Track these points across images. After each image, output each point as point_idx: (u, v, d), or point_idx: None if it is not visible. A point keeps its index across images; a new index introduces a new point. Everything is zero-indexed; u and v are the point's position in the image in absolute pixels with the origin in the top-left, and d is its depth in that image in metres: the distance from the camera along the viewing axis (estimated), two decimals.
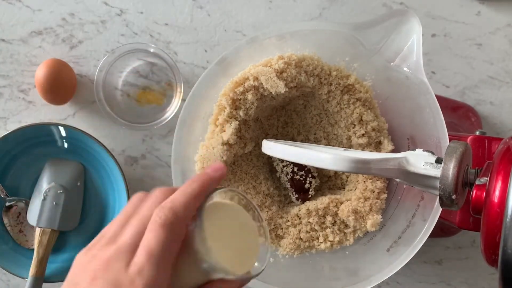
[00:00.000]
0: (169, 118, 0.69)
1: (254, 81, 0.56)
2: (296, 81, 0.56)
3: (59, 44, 0.70)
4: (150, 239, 0.35)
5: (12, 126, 0.70)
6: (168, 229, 0.36)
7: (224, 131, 0.57)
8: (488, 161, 0.47)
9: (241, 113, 0.57)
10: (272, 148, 0.49)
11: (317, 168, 0.61)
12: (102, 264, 0.35)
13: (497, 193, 0.41)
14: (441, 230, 0.69)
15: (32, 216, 0.67)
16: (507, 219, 0.38)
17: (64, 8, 0.70)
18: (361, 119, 0.58)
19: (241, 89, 0.56)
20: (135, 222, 0.37)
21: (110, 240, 0.37)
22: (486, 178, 0.43)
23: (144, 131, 0.71)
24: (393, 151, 0.58)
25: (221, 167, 0.40)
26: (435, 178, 0.44)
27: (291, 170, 0.60)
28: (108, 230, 0.38)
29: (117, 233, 0.37)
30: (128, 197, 0.65)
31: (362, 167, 0.44)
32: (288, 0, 0.70)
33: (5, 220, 0.68)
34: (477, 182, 0.44)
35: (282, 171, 0.61)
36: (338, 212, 0.57)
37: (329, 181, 0.63)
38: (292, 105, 0.61)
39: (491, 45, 0.71)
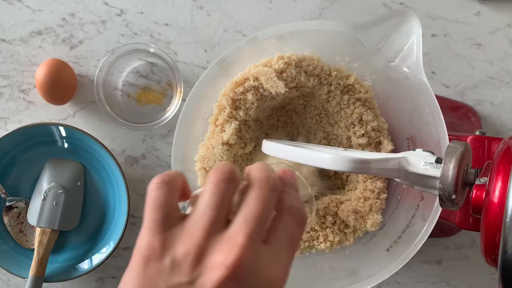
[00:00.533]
0: (169, 118, 0.69)
1: (254, 81, 0.56)
2: (296, 81, 0.56)
3: (59, 44, 0.70)
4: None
5: (12, 126, 0.70)
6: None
7: (224, 131, 0.57)
8: (488, 161, 0.47)
9: (241, 113, 0.57)
10: (272, 148, 0.49)
11: (317, 168, 0.61)
12: None
13: (497, 193, 0.41)
14: (441, 230, 0.69)
15: (32, 216, 0.67)
16: (507, 219, 0.38)
17: (64, 8, 0.70)
18: (361, 119, 0.58)
19: (241, 89, 0.56)
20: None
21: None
22: (486, 178, 0.43)
23: (144, 131, 0.71)
24: (393, 151, 0.59)
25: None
26: (435, 178, 0.44)
27: None
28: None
29: None
30: (128, 197, 0.65)
31: (362, 167, 0.44)
32: (288, 0, 0.70)
33: (5, 220, 0.68)
34: (477, 182, 0.44)
35: None
36: (338, 212, 0.57)
37: (329, 181, 0.63)
38: (292, 105, 0.61)
39: (491, 45, 0.71)
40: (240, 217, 0.34)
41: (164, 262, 0.33)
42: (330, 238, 0.57)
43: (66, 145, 0.69)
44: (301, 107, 0.61)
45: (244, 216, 0.34)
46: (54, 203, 0.67)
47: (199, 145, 0.58)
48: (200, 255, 0.33)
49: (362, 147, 0.59)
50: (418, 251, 0.54)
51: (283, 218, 0.36)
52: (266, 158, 0.60)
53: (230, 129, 0.56)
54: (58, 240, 0.68)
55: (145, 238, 0.35)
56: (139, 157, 0.71)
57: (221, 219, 0.35)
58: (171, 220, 0.35)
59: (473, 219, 0.53)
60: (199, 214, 0.34)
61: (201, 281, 0.32)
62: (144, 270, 0.33)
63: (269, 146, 0.51)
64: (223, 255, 0.32)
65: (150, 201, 0.36)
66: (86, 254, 0.69)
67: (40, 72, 0.66)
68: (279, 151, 0.49)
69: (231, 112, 0.56)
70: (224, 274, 0.32)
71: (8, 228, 0.68)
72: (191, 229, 0.34)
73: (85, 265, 0.68)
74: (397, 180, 0.47)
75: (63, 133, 0.67)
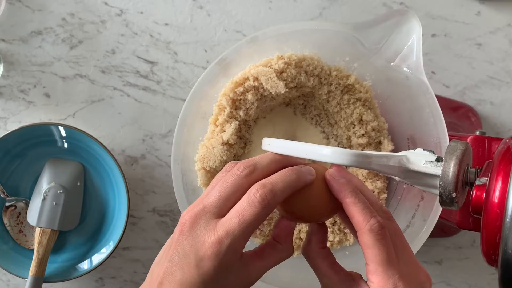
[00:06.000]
0: None
1: (254, 81, 0.56)
2: (296, 81, 0.56)
3: (59, 44, 0.70)
4: (246, 209, 0.39)
5: (12, 126, 0.70)
6: (264, 207, 0.39)
7: (224, 131, 0.57)
8: (488, 160, 0.47)
9: (241, 113, 0.57)
10: (272, 144, 0.48)
11: None
12: (190, 221, 0.40)
13: (497, 193, 0.41)
14: (441, 230, 0.69)
15: (32, 216, 0.67)
16: (507, 219, 0.38)
17: (64, 8, 0.70)
18: (361, 119, 0.58)
19: (241, 89, 0.56)
20: (221, 188, 0.41)
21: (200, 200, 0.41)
22: (486, 178, 0.43)
23: (144, 131, 0.71)
24: (393, 151, 0.59)
25: (314, 173, 0.43)
26: (435, 176, 0.44)
27: None
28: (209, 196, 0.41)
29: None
30: (128, 197, 0.65)
31: (362, 161, 0.44)
32: (288, 0, 0.70)
33: (5, 220, 0.68)
34: (477, 182, 0.44)
35: None
36: None
37: None
38: (292, 105, 0.61)
39: (491, 45, 0.71)
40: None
41: None
42: (330, 238, 0.57)
43: (66, 145, 0.69)
44: (301, 107, 0.61)
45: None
46: (54, 203, 0.67)
47: (199, 145, 0.58)
48: None
49: (362, 147, 0.59)
50: (418, 251, 0.54)
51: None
52: None
53: (230, 129, 0.56)
54: (58, 240, 0.68)
55: None
56: (139, 157, 0.71)
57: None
58: None
59: (473, 219, 0.53)
60: None
61: None
62: None
63: (269, 143, 0.51)
64: None
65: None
66: (86, 254, 0.69)
67: None
68: (279, 147, 0.49)
69: (231, 112, 0.56)
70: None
71: (8, 228, 0.68)
72: None
73: (85, 265, 0.68)
74: (397, 179, 0.47)
75: (63, 133, 0.67)
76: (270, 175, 0.41)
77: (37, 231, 0.66)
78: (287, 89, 0.56)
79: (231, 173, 0.41)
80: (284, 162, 0.43)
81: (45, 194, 0.67)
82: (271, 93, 0.56)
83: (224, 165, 0.44)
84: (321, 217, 0.44)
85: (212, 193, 0.41)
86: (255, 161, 0.42)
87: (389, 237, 0.40)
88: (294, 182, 0.41)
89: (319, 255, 0.44)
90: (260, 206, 0.39)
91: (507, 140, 0.45)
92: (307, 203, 0.43)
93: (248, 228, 0.39)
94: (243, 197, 0.40)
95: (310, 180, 0.42)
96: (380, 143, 0.59)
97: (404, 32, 0.54)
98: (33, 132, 0.67)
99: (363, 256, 0.41)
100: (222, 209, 0.40)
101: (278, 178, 0.41)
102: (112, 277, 0.72)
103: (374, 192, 0.58)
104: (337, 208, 0.43)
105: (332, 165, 0.43)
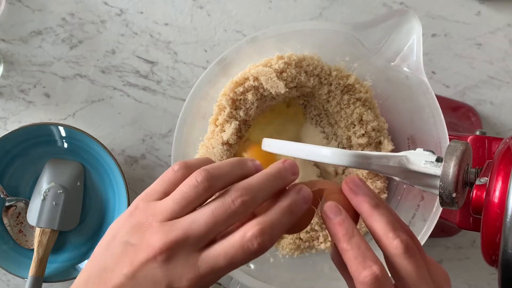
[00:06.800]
0: None
1: (254, 81, 0.56)
2: (296, 81, 0.56)
3: (59, 44, 0.70)
4: (238, 253, 0.35)
5: (12, 126, 0.70)
6: (258, 254, 0.36)
7: (224, 131, 0.57)
8: (488, 160, 0.47)
9: (241, 113, 0.57)
10: (272, 144, 0.48)
11: (318, 167, 0.61)
12: (166, 251, 0.35)
13: (497, 193, 0.41)
14: (442, 230, 0.69)
15: (32, 216, 0.67)
16: (507, 220, 0.38)
17: (64, 8, 0.70)
18: (361, 119, 0.58)
19: (241, 89, 0.56)
20: (211, 215, 0.36)
21: (168, 216, 0.36)
22: (486, 178, 0.43)
23: (144, 131, 0.71)
24: (393, 151, 0.59)
25: (297, 171, 0.40)
26: (435, 176, 0.44)
27: None
28: (164, 206, 0.37)
29: (179, 212, 0.36)
30: (128, 197, 0.65)
31: (362, 162, 0.44)
32: (288, 0, 0.70)
33: (5, 220, 0.68)
34: (477, 182, 0.43)
35: None
36: None
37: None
38: (292, 105, 0.61)
39: (491, 45, 0.71)
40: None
41: None
42: (330, 238, 0.57)
43: (66, 145, 0.69)
44: (301, 107, 0.61)
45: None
46: (54, 203, 0.67)
47: (199, 145, 0.58)
48: None
49: (362, 147, 0.59)
50: None
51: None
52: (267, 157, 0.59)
53: (230, 129, 0.56)
54: (58, 240, 0.68)
55: None
56: (139, 157, 0.71)
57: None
58: None
59: (473, 219, 0.53)
60: None
61: None
62: None
63: (269, 143, 0.51)
64: None
65: None
66: (86, 254, 0.69)
67: None
68: (279, 148, 0.49)
69: (231, 112, 0.56)
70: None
71: (8, 228, 0.68)
72: None
73: (84, 265, 0.68)
74: (397, 179, 0.47)
75: (63, 133, 0.67)
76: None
77: (37, 231, 0.66)
78: (287, 89, 0.56)
79: (224, 200, 0.36)
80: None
81: (45, 194, 0.67)
82: (271, 93, 0.56)
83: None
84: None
85: (199, 219, 0.36)
86: (251, 186, 0.37)
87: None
88: (292, 222, 0.38)
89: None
90: (254, 254, 0.36)
91: (507, 140, 0.45)
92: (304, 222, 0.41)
93: (235, 267, 0.36)
94: (236, 235, 0.36)
95: (295, 180, 0.40)
96: (380, 143, 0.59)
97: (404, 32, 0.54)
98: (33, 132, 0.67)
99: None
100: (208, 239, 0.36)
101: (276, 219, 0.37)
102: None
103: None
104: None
105: (327, 198, 0.41)
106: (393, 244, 0.38)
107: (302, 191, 0.39)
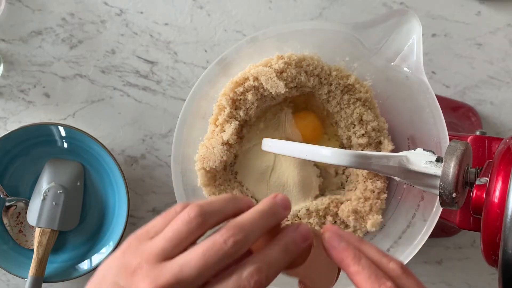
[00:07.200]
0: None
1: (254, 81, 0.56)
2: (296, 81, 0.56)
3: (59, 44, 0.70)
4: None
5: (12, 126, 0.70)
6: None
7: (224, 131, 0.57)
8: (488, 160, 0.47)
9: (241, 113, 0.57)
10: (272, 145, 0.48)
11: (318, 167, 0.61)
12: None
13: (497, 193, 0.41)
14: (442, 230, 0.69)
15: (32, 216, 0.67)
16: (507, 219, 0.38)
17: (64, 8, 0.70)
18: (361, 119, 0.58)
19: (241, 89, 0.56)
20: (202, 259, 0.34)
21: (160, 257, 0.35)
22: (486, 178, 0.43)
23: (144, 131, 0.71)
24: (393, 151, 0.58)
25: (289, 205, 0.38)
26: (435, 176, 0.44)
27: None
28: (159, 243, 0.35)
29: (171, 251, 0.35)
30: (128, 197, 0.65)
31: (363, 162, 0.44)
32: (288, 0, 0.70)
33: (5, 220, 0.68)
34: (477, 182, 0.44)
35: None
36: (338, 212, 0.57)
37: (329, 182, 0.63)
38: (292, 105, 0.61)
39: (491, 45, 0.71)
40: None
41: None
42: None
43: (65, 145, 0.69)
44: (301, 107, 0.61)
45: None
46: (54, 203, 0.67)
47: (199, 145, 0.58)
48: None
49: (362, 147, 0.59)
50: (418, 251, 0.54)
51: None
52: (266, 157, 0.59)
53: (230, 129, 0.56)
54: (58, 240, 0.68)
55: None
56: (138, 157, 0.71)
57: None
58: None
59: (473, 219, 0.53)
60: None
61: None
62: None
63: (269, 143, 0.51)
64: None
65: None
66: (86, 254, 0.69)
67: None
68: (279, 148, 0.49)
69: (231, 112, 0.56)
70: None
71: (8, 228, 0.68)
72: None
73: (84, 265, 0.68)
74: (397, 179, 0.47)
75: (63, 133, 0.67)
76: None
77: (37, 231, 0.66)
78: (287, 89, 0.56)
79: (216, 240, 0.35)
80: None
81: (45, 194, 0.67)
82: (271, 93, 0.56)
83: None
84: (331, 283, 0.41)
85: (190, 262, 0.34)
86: (244, 224, 0.36)
87: None
88: (289, 260, 0.37)
89: None
90: None
91: (507, 140, 0.45)
92: (313, 271, 0.40)
93: None
94: (233, 276, 0.34)
95: (302, 249, 0.38)
96: (380, 143, 0.59)
97: (404, 32, 0.54)
98: (33, 132, 0.67)
99: None
100: (200, 283, 0.34)
101: (273, 257, 0.36)
102: None
103: (374, 192, 0.58)
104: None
105: (325, 228, 0.40)
106: None
107: (300, 228, 0.38)
